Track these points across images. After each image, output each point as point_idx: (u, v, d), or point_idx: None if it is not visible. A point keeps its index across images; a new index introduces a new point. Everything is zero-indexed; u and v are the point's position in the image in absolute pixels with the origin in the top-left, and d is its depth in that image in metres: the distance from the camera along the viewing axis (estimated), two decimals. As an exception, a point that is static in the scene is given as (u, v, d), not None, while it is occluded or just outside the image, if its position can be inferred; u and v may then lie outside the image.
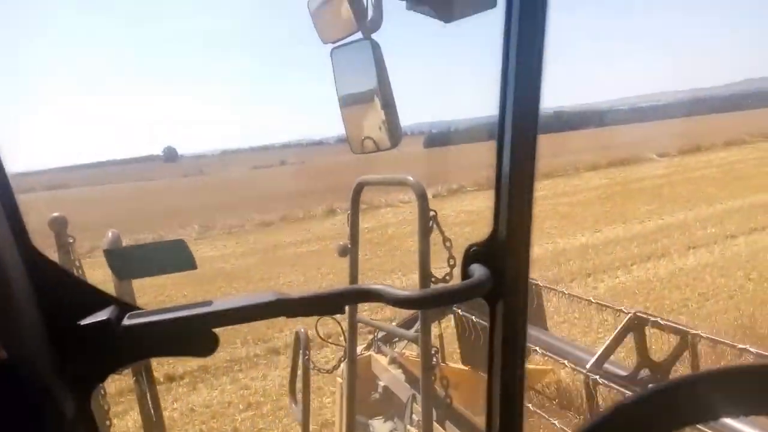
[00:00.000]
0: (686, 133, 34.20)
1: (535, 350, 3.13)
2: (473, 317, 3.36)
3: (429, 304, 1.39)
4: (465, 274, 0.95)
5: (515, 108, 0.88)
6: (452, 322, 3.75)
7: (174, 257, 1.26)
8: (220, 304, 0.85)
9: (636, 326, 2.83)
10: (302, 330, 3.13)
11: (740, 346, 2.53)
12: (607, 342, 2.83)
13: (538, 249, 9.36)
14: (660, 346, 2.96)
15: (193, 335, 0.85)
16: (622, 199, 14.95)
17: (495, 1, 1.11)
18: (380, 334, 3.46)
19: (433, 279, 1.92)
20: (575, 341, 4.34)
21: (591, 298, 3.53)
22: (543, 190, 18.09)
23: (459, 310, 3.51)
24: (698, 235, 10.14)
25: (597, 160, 23.71)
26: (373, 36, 1.34)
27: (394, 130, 1.38)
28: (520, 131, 0.89)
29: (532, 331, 3.21)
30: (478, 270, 0.94)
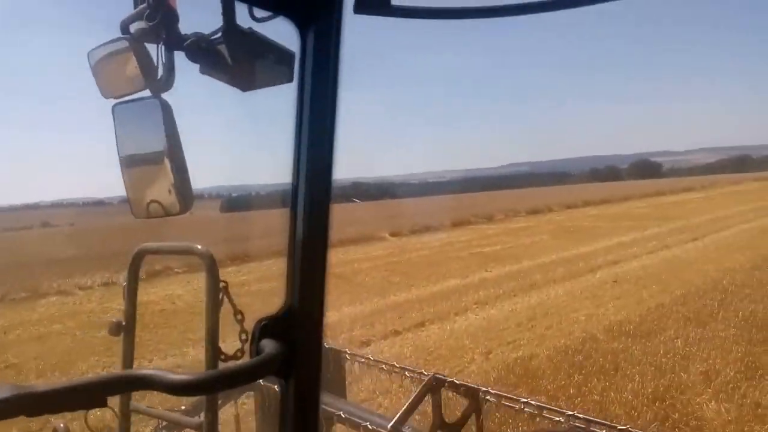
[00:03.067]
0: (451, 207, 37.53)
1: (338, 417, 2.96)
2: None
3: (213, 388, 1.26)
4: (255, 351, 0.91)
5: (308, 177, 0.89)
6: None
7: None
8: None
9: (434, 388, 2.83)
10: (62, 426, 2.58)
11: (523, 399, 2.63)
12: (406, 406, 2.79)
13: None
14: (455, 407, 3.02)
15: None
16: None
17: (292, 75, 1.14)
18: (163, 424, 3.03)
19: (222, 356, 1.76)
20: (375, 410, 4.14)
21: (395, 363, 3.49)
22: (236, 275, 16.14)
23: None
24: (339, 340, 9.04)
25: (335, 237, 21.91)
26: (164, 95, 1.26)
27: (185, 194, 1.30)
28: (313, 200, 0.89)
29: (330, 400, 3.08)
30: (269, 345, 0.89)
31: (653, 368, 6.28)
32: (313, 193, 0.90)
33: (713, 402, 5.33)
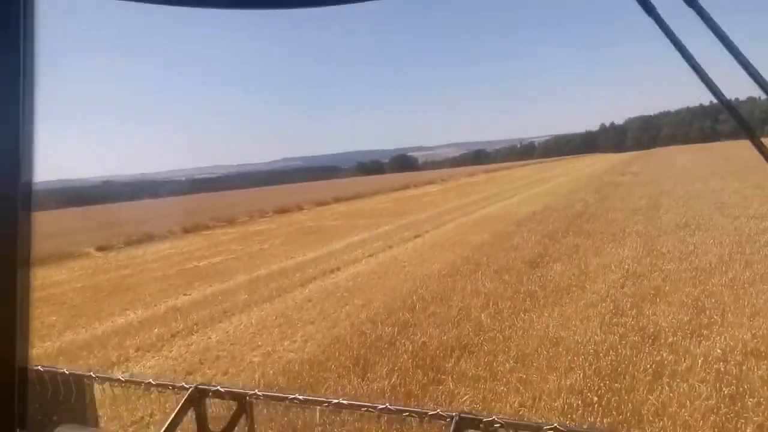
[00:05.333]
0: (196, 209, 34.10)
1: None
2: None
3: None
4: None
5: None
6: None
7: None
8: None
9: (196, 400, 2.50)
10: None
11: (291, 396, 2.26)
12: (165, 425, 2.33)
13: None
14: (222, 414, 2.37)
15: None
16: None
17: None
18: None
19: None
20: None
21: (151, 380, 2.62)
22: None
23: None
24: None
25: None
26: None
27: None
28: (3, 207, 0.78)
29: None
30: None
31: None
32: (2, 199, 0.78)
33: None
